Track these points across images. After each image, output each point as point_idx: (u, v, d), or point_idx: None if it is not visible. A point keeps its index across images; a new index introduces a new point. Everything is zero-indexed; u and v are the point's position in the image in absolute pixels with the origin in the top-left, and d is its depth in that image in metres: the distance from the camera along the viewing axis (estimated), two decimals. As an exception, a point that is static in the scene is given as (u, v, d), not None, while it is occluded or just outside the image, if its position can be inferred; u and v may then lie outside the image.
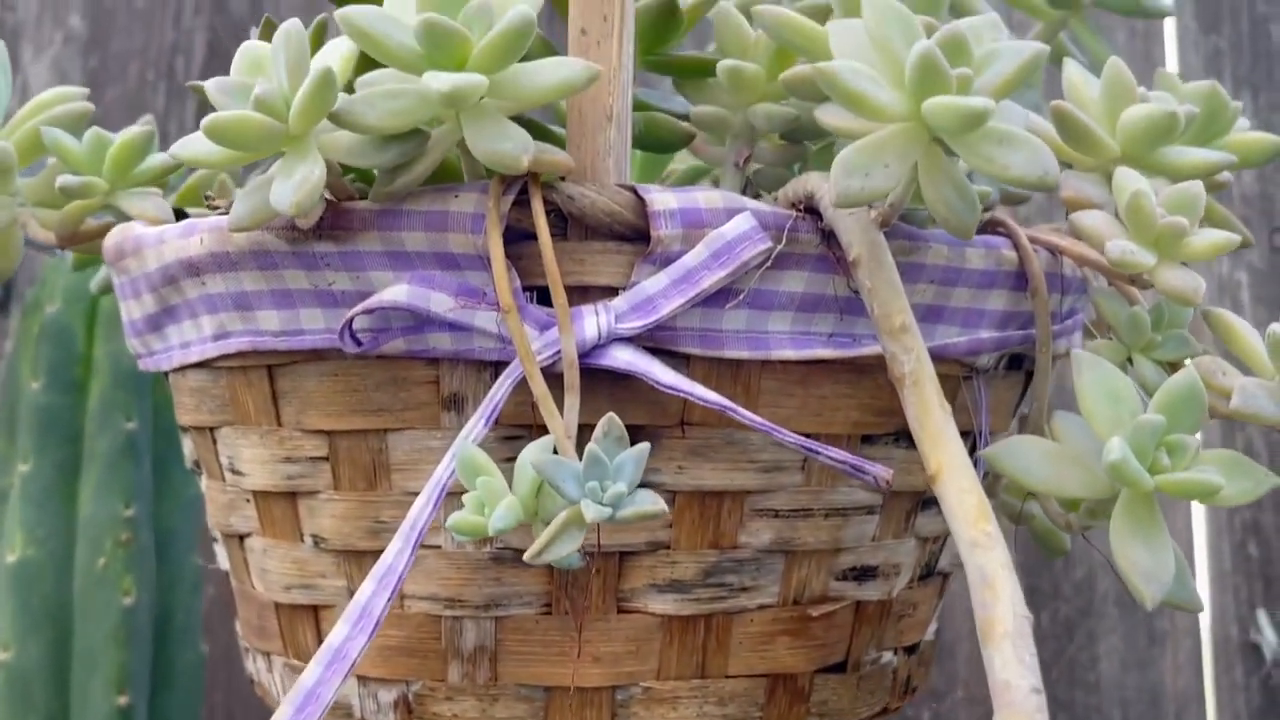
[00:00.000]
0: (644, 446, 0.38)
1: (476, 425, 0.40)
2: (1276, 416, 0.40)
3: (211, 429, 0.47)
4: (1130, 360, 0.44)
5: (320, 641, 0.45)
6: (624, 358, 0.40)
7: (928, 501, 0.47)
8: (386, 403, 0.43)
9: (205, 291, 0.44)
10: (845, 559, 0.45)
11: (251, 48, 0.41)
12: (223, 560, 0.51)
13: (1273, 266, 0.90)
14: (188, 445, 0.51)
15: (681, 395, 0.40)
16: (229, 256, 0.43)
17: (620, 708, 0.43)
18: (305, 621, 0.46)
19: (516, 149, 0.39)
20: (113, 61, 1.02)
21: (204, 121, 0.38)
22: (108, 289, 0.59)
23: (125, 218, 0.49)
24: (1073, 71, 0.47)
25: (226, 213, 0.45)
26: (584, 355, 0.40)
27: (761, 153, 0.46)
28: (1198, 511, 0.90)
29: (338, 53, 0.41)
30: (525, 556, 0.38)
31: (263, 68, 0.41)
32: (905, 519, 0.46)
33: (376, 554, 0.44)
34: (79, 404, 0.67)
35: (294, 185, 0.38)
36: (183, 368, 0.47)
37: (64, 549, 0.65)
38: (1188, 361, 0.43)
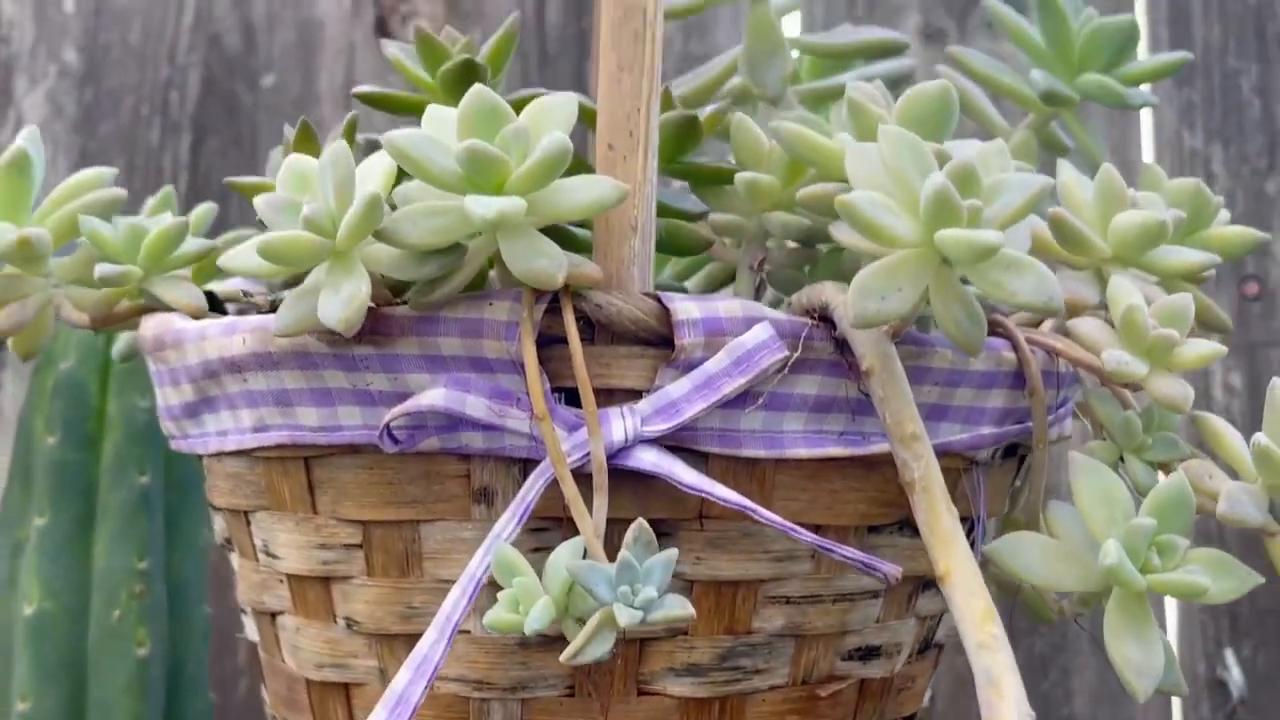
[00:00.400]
0: (672, 553, 0.40)
1: (509, 524, 0.43)
2: (1259, 520, 0.43)
3: (246, 512, 0.49)
4: (1122, 459, 0.46)
5: (351, 717, 0.48)
6: (649, 459, 0.43)
7: (928, 584, 0.49)
8: (419, 495, 0.45)
9: (246, 387, 0.46)
10: (851, 640, 0.48)
11: (297, 163, 0.43)
12: (251, 632, 0.53)
13: (1243, 315, 0.93)
14: (219, 523, 0.53)
15: (703, 495, 0.42)
16: (271, 356, 0.45)
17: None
18: (336, 698, 0.48)
19: (552, 266, 0.41)
20: (107, 96, 1.03)
21: (259, 243, 0.40)
22: (129, 356, 0.61)
23: (158, 301, 0.51)
24: (1067, 175, 0.50)
25: (265, 311, 0.47)
26: (611, 457, 0.42)
27: (774, 255, 0.49)
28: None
29: (379, 170, 0.43)
30: (562, 658, 0.40)
31: (308, 184, 0.43)
32: (907, 601, 0.49)
33: (409, 637, 0.46)
34: (93, 459, 0.69)
35: (342, 302, 0.40)
36: (219, 454, 0.49)
37: (79, 602, 0.67)
38: (1178, 465, 0.45)
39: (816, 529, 0.45)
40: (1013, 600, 0.53)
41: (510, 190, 0.41)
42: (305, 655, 0.49)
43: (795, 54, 0.60)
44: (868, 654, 0.48)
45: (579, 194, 0.41)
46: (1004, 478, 0.50)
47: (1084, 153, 0.57)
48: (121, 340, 0.60)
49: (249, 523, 0.49)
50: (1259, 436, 0.43)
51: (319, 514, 0.47)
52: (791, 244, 0.49)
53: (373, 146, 0.52)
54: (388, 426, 0.43)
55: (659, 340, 0.43)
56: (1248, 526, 0.43)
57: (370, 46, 1.03)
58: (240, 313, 0.55)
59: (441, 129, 0.42)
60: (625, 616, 0.39)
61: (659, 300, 0.43)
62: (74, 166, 1.03)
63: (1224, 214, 0.53)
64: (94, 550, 0.68)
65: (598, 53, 1.12)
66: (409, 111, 0.51)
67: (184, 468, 0.71)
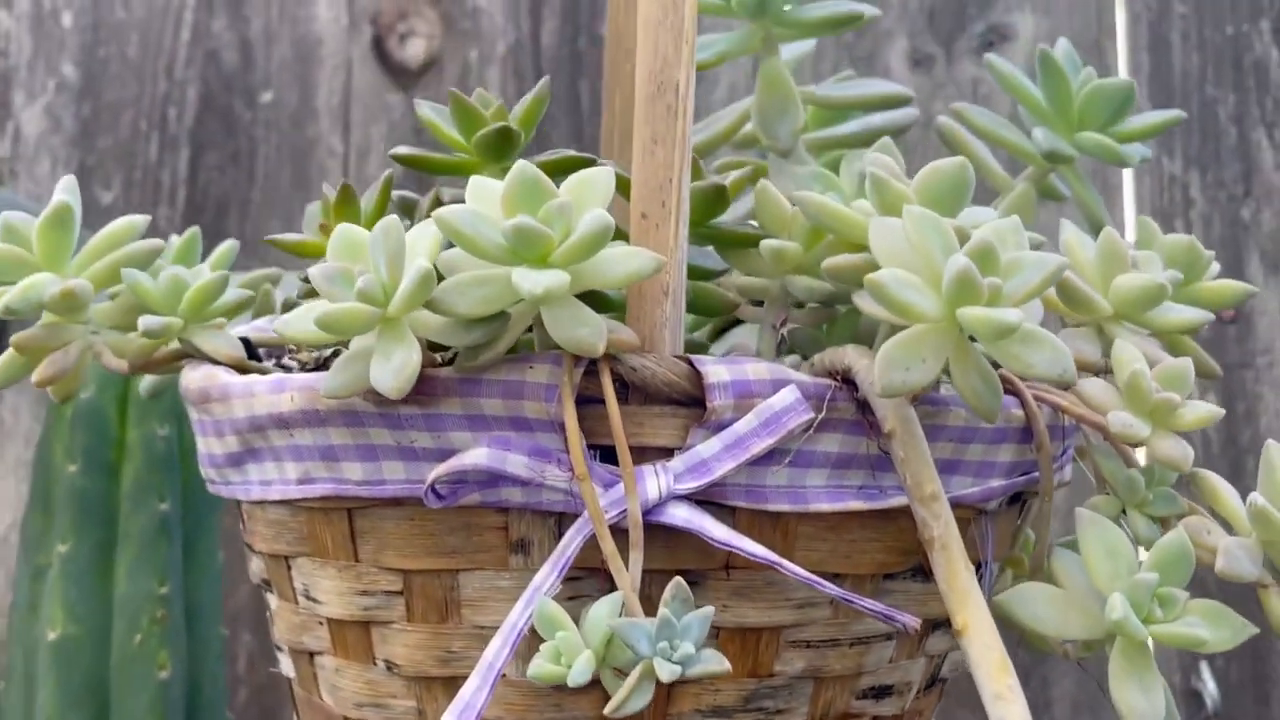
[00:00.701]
0: (708, 610, 0.43)
1: (550, 576, 0.45)
2: (1255, 575, 0.46)
3: (287, 558, 0.51)
4: (1124, 512, 0.49)
5: None
6: (681, 515, 0.45)
7: (936, 624, 0.52)
8: (459, 546, 0.47)
9: (293, 442, 0.48)
10: (866, 680, 0.50)
11: (348, 232, 0.45)
12: (287, 669, 0.55)
13: (1218, 337, 0.96)
14: (256, 564, 0.55)
15: (733, 549, 0.45)
16: (319, 414, 0.47)
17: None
18: None
19: (593, 336, 0.43)
20: (105, 111, 1.05)
21: (317, 317, 0.42)
22: (157, 392, 0.63)
23: (197, 350, 0.53)
24: (1070, 234, 0.52)
25: (312, 369, 0.49)
26: (646, 513, 0.45)
27: (795, 315, 0.51)
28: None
29: (427, 240, 0.45)
30: (606, 710, 0.42)
31: (358, 252, 0.45)
32: (918, 642, 0.52)
33: (447, 680, 0.48)
34: (113, 486, 0.71)
35: (394, 370, 0.42)
36: (261, 501, 0.51)
37: (102, 626, 0.69)
38: (1176, 520, 0.48)
39: (835, 577, 0.48)
40: (1018, 634, 0.56)
41: (555, 263, 0.43)
42: (344, 695, 0.51)
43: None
44: (881, 693, 0.51)
45: (618, 266, 0.44)
46: (1009, 523, 0.53)
47: (1081, 206, 0.60)
48: (149, 379, 0.62)
49: (289, 567, 0.51)
50: (1255, 496, 0.46)
51: (360, 562, 0.49)
52: (811, 304, 0.51)
53: (405, 204, 0.54)
54: (433, 484, 0.45)
55: (689, 400, 0.46)
56: (1244, 581, 0.46)
57: (368, 64, 1.05)
58: (274, 359, 0.57)
59: (486, 201, 0.44)
60: (666, 672, 0.41)
61: (690, 364, 0.45)
62: (74, 182, 1.04)
63: (1215, 267, 0.56)
64: (115, 575, 0.70)
65: (591, 70, 1.13)
66: (444, 173, 0.53)
67: (200, 493, 0.73)
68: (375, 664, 0.50)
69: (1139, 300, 0.50)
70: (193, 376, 0.51)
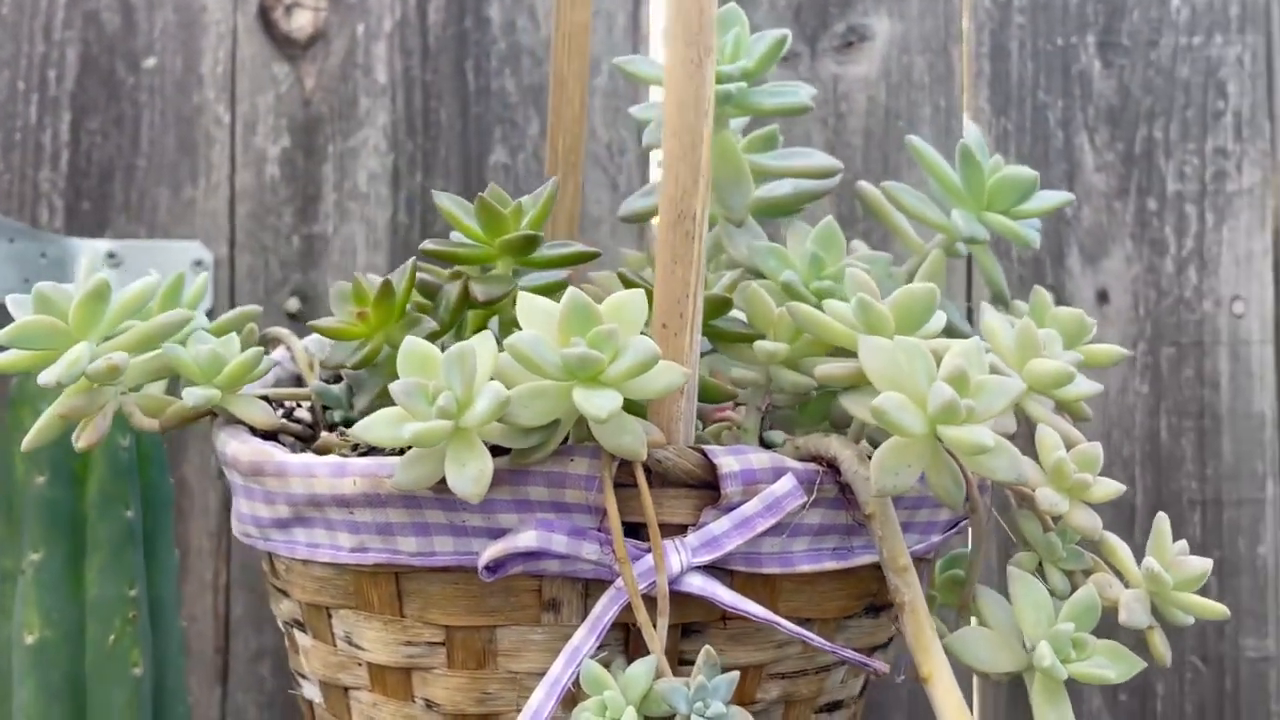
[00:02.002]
0: (734, 675, 0.51)
1: (589, 639, 0.53)
2: (1147, 623, 0.57)
3: (329, 608, 0.58)
4: (1041, 565, 0.60)
5: None
6: (697, 583, 0.53)
7: (875, 648, 0.62)
8: (498, 606, 0.55)
9: (351, 518, 0.54)
10: (823, 699, 0.60)
11: (416, 346, 0.51)
12: (312, 694, 0.62)
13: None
14: (288, 607, 0.61)
15: (740, 612, 0.54)
16: (380, 497, 0.53)
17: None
18: None
19: (636, 443, 0.51)
20: (-19, 71, 1.04)
21: (408, 433, 0.48)
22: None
23: (231, 415, 0.58)
24: (991, 320, 0.62)
25: (363, 452, 0.55)
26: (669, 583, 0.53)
27: (777, 398, 0.59)
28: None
29: (488, 357, 0.51)
30: None
31: (428, 366, 0.51)
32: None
33: (481, 716, 0.56)
34: (80, 496, 0.74)
35: (472, 479, 0.49)
36: (307, 561, 0.57)
37: (77, 629, 0.74)
38: (1082, 574, 0.59)
39: (807, 621, 0.57)
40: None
41: (606, 382, 0.50)
42: None
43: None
44: (834, 707, 0.61)
45: (656, 381, 0.51)
46: (934, 564, 0.63)
47: (986, 276, 0.70)
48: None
49: (330, 616, 0.58)
50: (1150, 561, 0.57)
51: (405, 617, 0.56)
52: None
53: (427, 289, 0.59)
54: (487, 565, 0.52)
55: (701, 484, 0.54)
56: (1139, 628, 0.57)
57: (254, 34, 1.07)
58: (284, 412, 0.62)
59: (539, 321, 0.51)
60: None
61: (705, 454, 0.54)
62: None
63: (1093, 331, 0.67)
64: (86, 581, 0.74)
65: (476, 50, 1.16)
66: (466, 263, 0.59)
67: (155, 497, 0.78)
68: (414, 701, 0.57)
69: (1052, 382, 0.60)
70: (242, 450, 0.57)
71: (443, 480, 0.51)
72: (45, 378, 0.55)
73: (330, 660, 0.59)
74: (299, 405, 0.62)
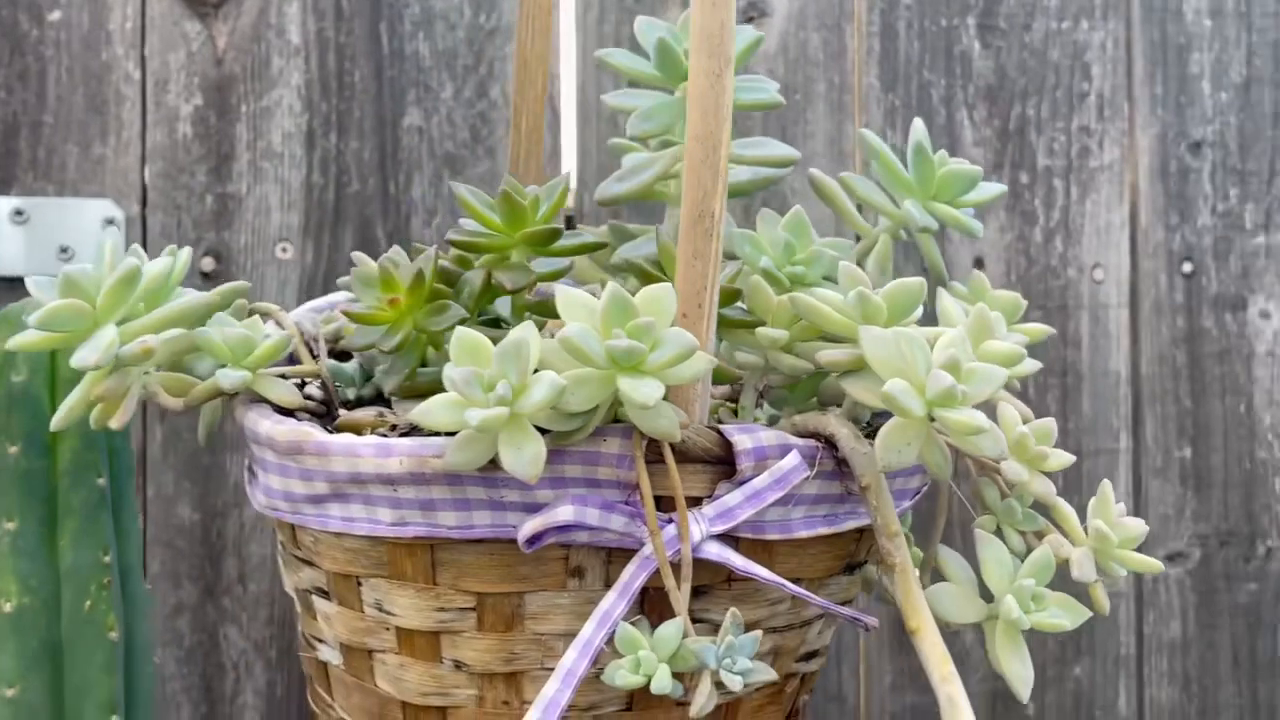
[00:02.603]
0: (758, 634, 0.57)
1: (619, 603, 0.58)
2: (1094, 578, 0.65)
3: (359, 578, 0.61)
4: (1000, 527, 0.67)
5: None
6: (713, 551, 0.59)
7: (846, 601, 0.69)
8: (528, 574, 0.59)
9: (394, 495, 0.57)
10: (804, 649, 0.66)
11: (467, 336, 0.54)
12: (329, 655, 0.65)
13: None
14: (308, 575, 0.63)
15: (750, 575, 0.59)
16: (424, 475, 0.57)
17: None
18: (434, 717, 0.62)
19: (671, 426, 0.56)
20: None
21: (476, 419, 0.52)
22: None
23: (258, 395, 0.60)
24: (947, 305, 0.68)
25: (403, 432, 0.59)
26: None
27: (772, 379, 0.65)
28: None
29: (534, 348, 0.55)
30: (691, 713, 0.56)
31: (479, 354, 0.54)
32: (835, 618, 0.68)
33: (508, 675, 0.60)
34: (52, 465, 0.75)
35: (529, 460, 0.53)
36: (340, 534, 0.60)
37: (53, 595, 0.75)
38: (1034, 535, 0.66)
39: (797, 580, 0.63)
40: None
41: (647, 370, 0.55)
42: (409, 686, 0.62)
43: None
44: (810, 656, 0.67)
45: (688, 369, 0.56)
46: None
47: (929, 260, 0.76)
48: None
49: (360, 584, 0.61)
50: (1098, 522, 0.64)
51: (439, 585, 0.59)
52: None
53: (448, 276, 0.63)
54: (529, 537, 0.57)
55: (716, 460, 0.59)
56: (1087, 582, 0.65)
57: (164, -9, 1.06)
58: (300, 386, 0.65)
59: (578, 312, 0.55)
60: (732, 682, 0.56)
61: (721, 433, 0.59)
62: None
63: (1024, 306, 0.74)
64: (60, 548, 0.75)
65: (390, 14, 1.18)
66: (487, 252, 0.62)
67: (120, 465, 0.79)
68: (442, 662, 0.61)
69: (1005, 361, 0.66)
70: (279, 429, 0.59)
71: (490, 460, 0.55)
72: (81, 360, 0.57)
73: (357, 625, 0.62)
74: (306, 381, 0.65)
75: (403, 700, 0.62)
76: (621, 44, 1.10)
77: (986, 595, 0.65)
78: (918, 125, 0.75)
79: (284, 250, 1.06)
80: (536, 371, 0.54)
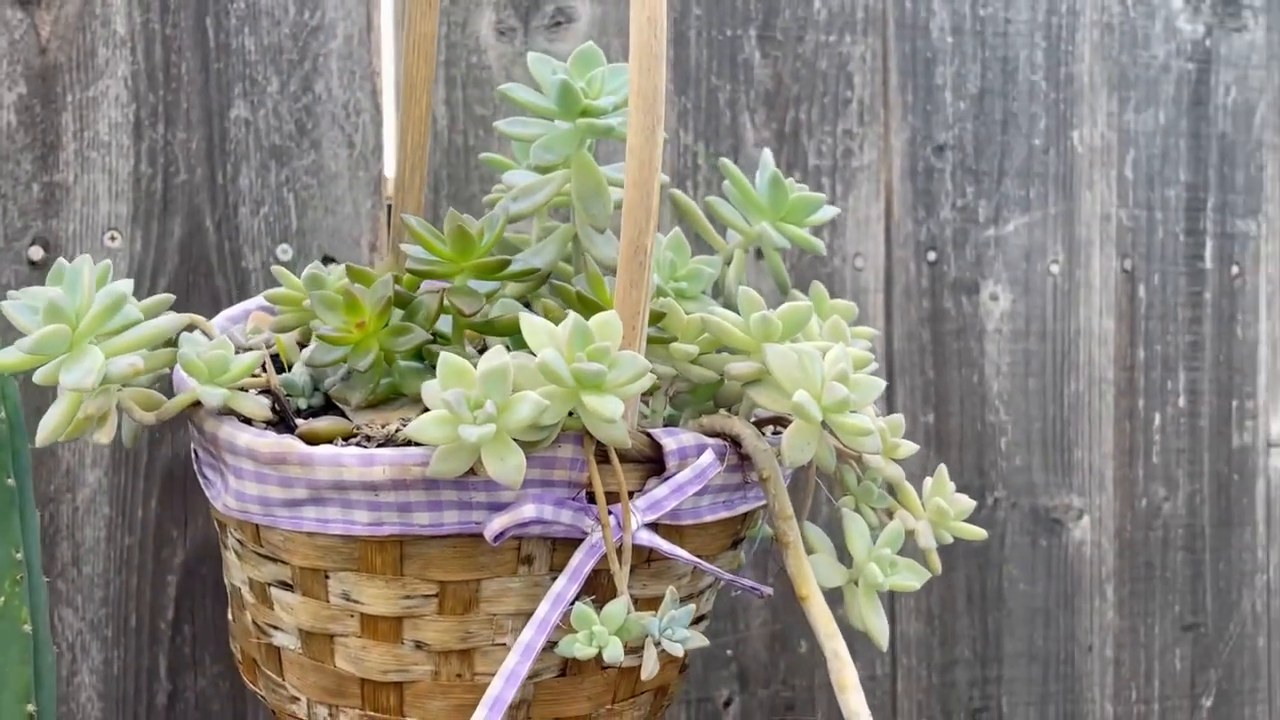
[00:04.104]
0: (691, 607, 0.67)
1: (569, 586, 0.67)
2: (933, 545, 0.78)
3: (328, 572, 0.67)
4: (858, 505, 0.79)
5: (401, 703, 0.69)
6: (645, 537, 0.68)
7: (734, 571, 0.79)
8: (486, 563, 0.67)
9: (375, 499, 0.64)
10: (699, 612, 0.77)
11: (453, 361, 0.62)
12: (285, 641, 0.71)
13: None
14: (269, 570, 0.69)
15: (673, 557, 0.69)
16: (405, 481, 0.64)
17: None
18: (391, 692, 0.69)
19: (623, 434, 0.65)
20: None
21: (474, 436, 0.60)
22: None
23: (229, 410, 0.66)
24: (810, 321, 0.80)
25: (380, 443, 0.66)
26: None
27: (679, 385, 0.74)
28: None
29: (509, 371, 0.63)
30: (644, 675, 0.65)
31: (463, 377, 0.62)
32: (726, 587, 0.79)
33: (462, 651, 0.68)
34: (-37, 467, 0.78)
35: (514, 469, 0.62)
36: (312, 533, 0.66)
37: (-31, 593, 0.77)
38: (896, 514, 0.79)
39: (700, 557, 0.74)
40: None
41: (607, 389, 0.64)
42: (370, 665, 0.69)
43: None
44: (700, 619, 0.78)
45: (635, 385, 0.65)
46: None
47: (776, 276, 0.87)
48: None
49: (328, 577, 0.68)
50: (937, 499, 0.77)
51: (405, 576, 0.67)
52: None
53: (400, 299, 0.69)
54: (496, 533, 0.65)
55: (646, 459, 0.69)
56: (929, 549, 0.78)
57: (-15, -22, 1.05)
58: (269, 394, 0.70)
59: (541, 338, 0.64)
60: (674, 649, 0.66)
61: (650, 436, 0.68)
62: None
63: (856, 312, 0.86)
64: (-27, 547, 0.78)
65: (216, 8, 1.20)
66: (438, 278, 0.69)
67: (19, 464, 0.82)
68: (403, 643, 0.68)
69: (861, 367, 0.79)
70: (260, 442, 0.65)
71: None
72: (76, 383, 0.61)
73: (321, 614, 0.69)
74: (289, 396, 0.70)
75: (362, 677, 0.69)
76: (438, 40, 1.17)
77: (845, 562, 0.77)
78: (767, 155, 0.86)
79: (113, 239, 1.09)
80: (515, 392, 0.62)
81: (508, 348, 0.70)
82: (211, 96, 1.11)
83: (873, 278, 1.31)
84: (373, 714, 0.70)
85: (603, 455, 0.67)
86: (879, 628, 0.76)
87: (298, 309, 0.74)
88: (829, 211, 0.86)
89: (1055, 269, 1.37)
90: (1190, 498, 1.44)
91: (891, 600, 1.32)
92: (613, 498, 0.68)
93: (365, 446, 0.65)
